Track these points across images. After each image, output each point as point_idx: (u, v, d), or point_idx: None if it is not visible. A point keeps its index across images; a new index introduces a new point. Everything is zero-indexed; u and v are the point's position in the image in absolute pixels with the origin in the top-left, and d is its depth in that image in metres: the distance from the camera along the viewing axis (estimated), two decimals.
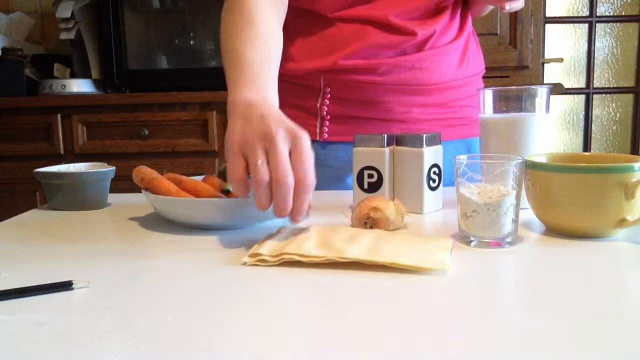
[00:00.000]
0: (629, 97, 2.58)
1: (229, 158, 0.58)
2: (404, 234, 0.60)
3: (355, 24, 0.87)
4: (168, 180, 0.69)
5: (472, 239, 0.58)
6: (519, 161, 0.58)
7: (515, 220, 0.58)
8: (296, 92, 0.95)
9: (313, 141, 0.93)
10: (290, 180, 0.54)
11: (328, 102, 0.92)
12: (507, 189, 0.57)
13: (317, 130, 0.93)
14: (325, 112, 0.92)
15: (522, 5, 0.81)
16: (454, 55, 0.92)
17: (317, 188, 0.89)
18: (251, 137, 0.57)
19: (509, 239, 0.58)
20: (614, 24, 2.53)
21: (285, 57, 0.95)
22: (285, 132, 0.57)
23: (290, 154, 0.56)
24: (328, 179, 0.94)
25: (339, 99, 0.91)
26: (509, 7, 0.80)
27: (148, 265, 0.54)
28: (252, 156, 0.56)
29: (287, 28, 0.94)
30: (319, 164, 0.93)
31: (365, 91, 0.89)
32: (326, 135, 0.93)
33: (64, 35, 2.12)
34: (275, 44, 0.74)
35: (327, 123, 0.92)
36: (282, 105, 0.97)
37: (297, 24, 0.91)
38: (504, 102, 0.74)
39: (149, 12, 2.13)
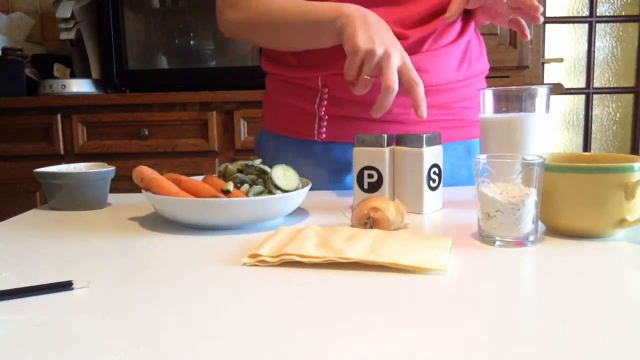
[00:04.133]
0: (629, 97, 2.58)
1: (351, 60, 0.73)
2: (404, 234, 0.60)
3: None
4: (168, 180, 0.69)
5: (496, 239, 0.58)
6: (540, 160, 0.57)
7: (536, 219, 0.58)
8: (293, 92, 0.95)
9: (311, 141, 0.94)
10: (395, 86, 0.71)
11: (326, 102, 0.92)
12: (530, 188, 0.57)
13: (315, 130, 0.93)
14: (322, 113, 0.92)
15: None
16: (454, 57, 0.91)
17: (315, 188, 0.90)
18: (373, 49, 0.71)
19: (531, 238, 0.58)
20: (614, 24, 2.53)
21: (283, 63, 0.95)
22: (397, 52, 0.72)
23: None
24: (326, 179, 0.94)
25: (336, 100, 0.91)
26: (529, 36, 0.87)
27: (148, 265, 0.54)
28: (368, 67, 0.73)
29: None
30: (316, 164, 0.94)
31: None
32: (324, 136, 0.93)
33: (64, 35, 2.12)
34: None
35: (325, 124, 0.92)
36: (280, 106, 0.98)
37: None
38: (504, 102, 0.74)
39: (149, 12, 2.13)
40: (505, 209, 0.57)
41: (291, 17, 0.82)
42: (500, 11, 0.84)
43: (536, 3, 0.78)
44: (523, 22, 0.85)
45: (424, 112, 0.72)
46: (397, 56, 0.72)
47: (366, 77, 0.73)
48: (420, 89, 0.72)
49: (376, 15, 0.76)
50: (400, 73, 0.72)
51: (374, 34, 0.73)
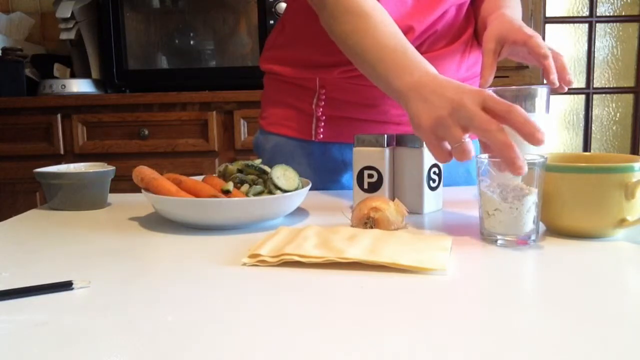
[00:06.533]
0: (629, 97, 2.57)
1: (430, 148, 0.61)
2: (404, 234, 0.60)
3: None
4: (168, 180, 0.69)
5: (498, 237, 0.58)
6: (542, 160, 0.57)
7: (537, 219, 0.58)
8: (291, 91, 0.95)
9: (308, 141, 0.94)
10: (496, 126, 0.55)
11: (323, 103, 0.92)
12: (530, 187, 0.57)
13: (313, 131, 0.93)
14: (320, 113, 0.92)
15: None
16: (453, 59, 0.91)
17: (312, 188, 0.90)
18: (440, 116, 0.59)
19: (533, 237, 0.58)
20: (614, 24, 2.53)
21: (282, 63, 0.95)
22: (468, 95, 0.58)
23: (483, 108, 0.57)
24: (323, 178, 0.94)
25: (334, 100, 0.91)
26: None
27: (148, 265, 0.54)
28: (450, 137, 0.58)
29: (291, 33, 0.94)
30: (313, 164, 0.94)
31: (360, 93, 0.88)
32: (321, 136, 0.93)
33: (64, 35, 2.12)
34: (389, 18, 0.75)
35: (322, 124, 0.93)
36: (277, 105, 0.98)
37: (301, 30, 0.91)
38: None
39: (149, 12, 2.13)
40: (503, 208, 0.57)
41: (363, 59, 0.73)
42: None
43: (569, 78, 0.74)
44: (554, 71, 0.76)
45: (523, 168, 0.54)
46: (471, 97, 0.57)
47: (460, 143, 0.58)
48: (518, 114, 0.56)
49: (433, 74, 0.64)
50: (488, 111, 0.56)
51: (426, 93, 0.61)
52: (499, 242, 0.58)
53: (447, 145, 0.60)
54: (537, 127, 0.54)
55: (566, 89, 0.74)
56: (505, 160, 0.55)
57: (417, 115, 0.62)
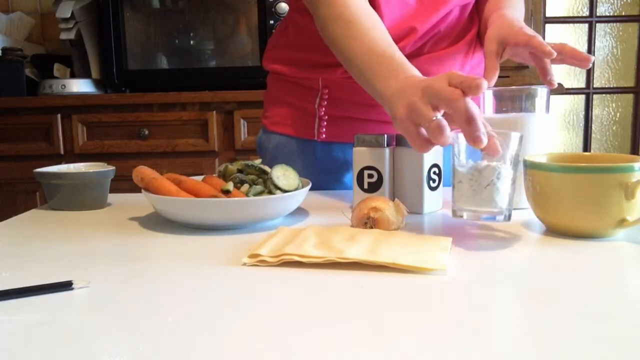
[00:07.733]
0: (629, 97, 2.57)
1: (408, 138, 0.60)
2: (404, 234, 0.60)
3: None
4: (168, 180, 0.69)
5: (463, 212, 0.58)
6: (512, 136, 0.57)
7: (508, 197, 0.57)
8: (294, 91, 0.95)
9: (311, 141, 0.94)
10: (461, 95, 0.55)
11: (326, 103, 0.92)
12: (498, 163, 0.57)
13: (315, 130, 0.94)
14: (322, 113, 0.92)
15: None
16: (456, 59, 0.91)
17: (315, 187, 0.90)
18: (412, 101, 0.59)
19: (501, 217, 0.57)
20: (614, 24, 2.53)
21: (285, 63, 0.95)
22: (435, 78, 0.59)
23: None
24: (325, 178, 0.94)
25: (336, 100, 0.92)
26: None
27: (148, 265, 0.54)
28: (422, 118, 0.57)
29: (294, 33, 0.94)
30: (316, 163, 0.94)
31: (362, 94, 0.88)
32: (324, 136, 0.93)
33: (64, 35, 2.12)
34: (380, 23, 0.76)
35: (325, 124, 0.93)
36: (280, 104, 0.98)
37: (304, 31, 0.91)
38: (504, 102, 0.74)
39: (149, 12, 2.13)
40: (464, 179, 0.57)
41: (352, 63, 0.74)
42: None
43: (585, 54, 0.73)
44: (552, 72, 0.76)
45: (481, 139, 0.54)
46: (438, 78, 0.58)
47: (431, 121, 0.56)
48: (473, 80, 0.55)
49: (417, 77, 0.64)
50: (454, 85, 0.57)
51: (405, 92, 0.61)
52: (466, 214, 0.58)
53: (425, 132, 0.59)
54: (473, 116, 0.54)
55: (590, 65, 0.74)
56: (465, 131, 0.54)
57: (395, 110, 0.62)
